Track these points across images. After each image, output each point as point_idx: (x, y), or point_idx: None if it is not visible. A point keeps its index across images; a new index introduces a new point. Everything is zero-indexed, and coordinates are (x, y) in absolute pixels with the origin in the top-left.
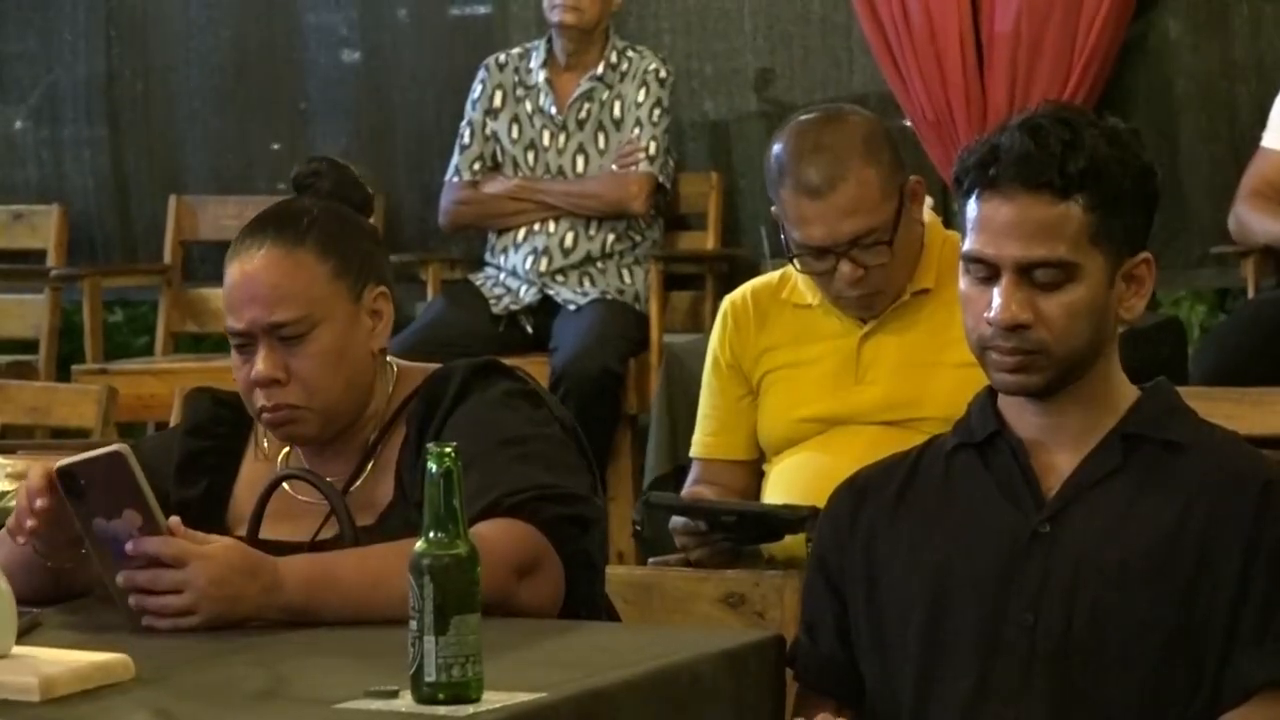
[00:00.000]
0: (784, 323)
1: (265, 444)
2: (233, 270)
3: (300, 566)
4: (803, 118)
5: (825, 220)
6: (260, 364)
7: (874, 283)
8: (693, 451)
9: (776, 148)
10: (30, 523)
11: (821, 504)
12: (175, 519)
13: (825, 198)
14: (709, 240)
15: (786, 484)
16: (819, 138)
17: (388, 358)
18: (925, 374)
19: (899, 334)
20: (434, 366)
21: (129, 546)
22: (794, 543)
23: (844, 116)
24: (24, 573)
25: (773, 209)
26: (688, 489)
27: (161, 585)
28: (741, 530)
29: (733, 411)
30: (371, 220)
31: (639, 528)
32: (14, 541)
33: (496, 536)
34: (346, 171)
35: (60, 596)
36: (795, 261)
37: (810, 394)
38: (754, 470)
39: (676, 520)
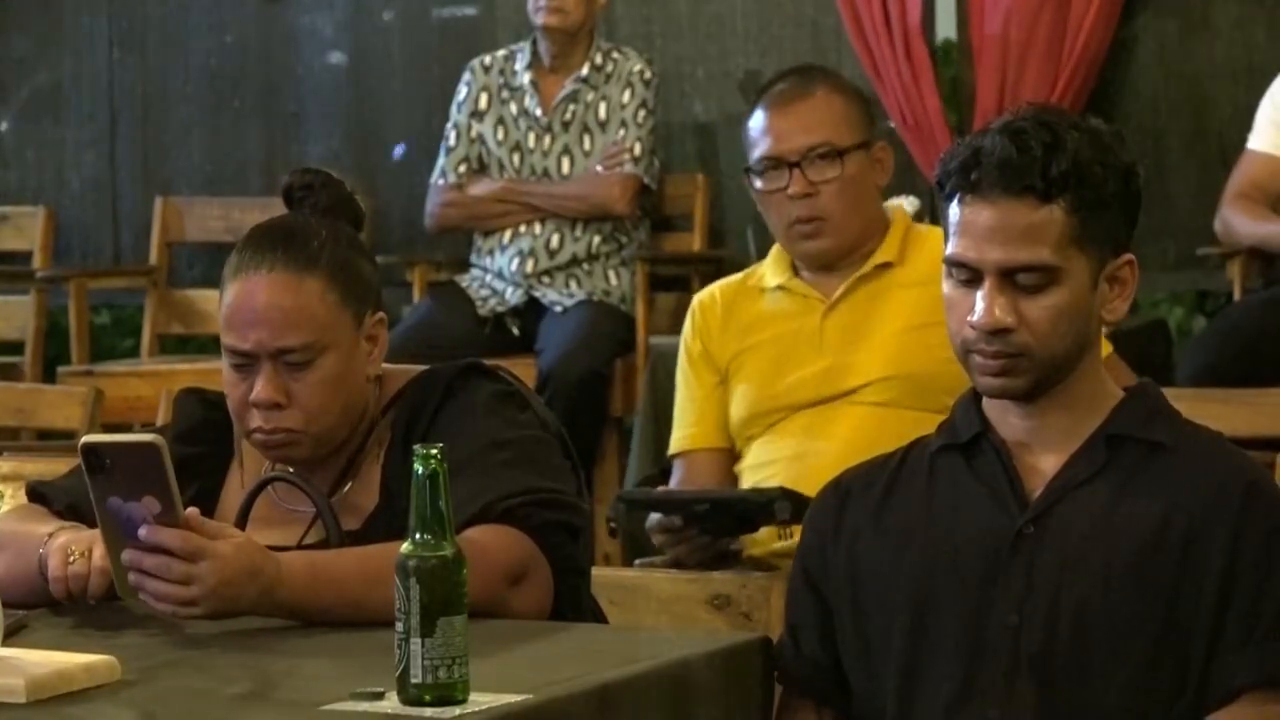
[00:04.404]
0: (750, 308)
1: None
2: (236, 289)
3: (300, 565)
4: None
5: (784, 134)
6: (261, 387)
7: (822, 206)
8: (672, 449)
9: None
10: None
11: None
12: (193, 510)
13: (791, 107)
14: (695, 242)
15: (758, 475)
16: (797, 72)
17: None
18: (867, 344)
19: (859, 307)
20: (418, 369)
21: (143, 532)
22: (768, 535)
23: (824, 68)
24: (19, 579)
25: (746, 172)
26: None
27: (170, 576)
28: (716, 520)
29: (708, 400)
30: (363, 236)
31: (614, 525)
32: (57, 589)
33: (489, 543)
34: (341, 187)
35: (53, 601)
36: (751, 179)
37: (775, 372)
38: (733, 459)
39: (653, 519)
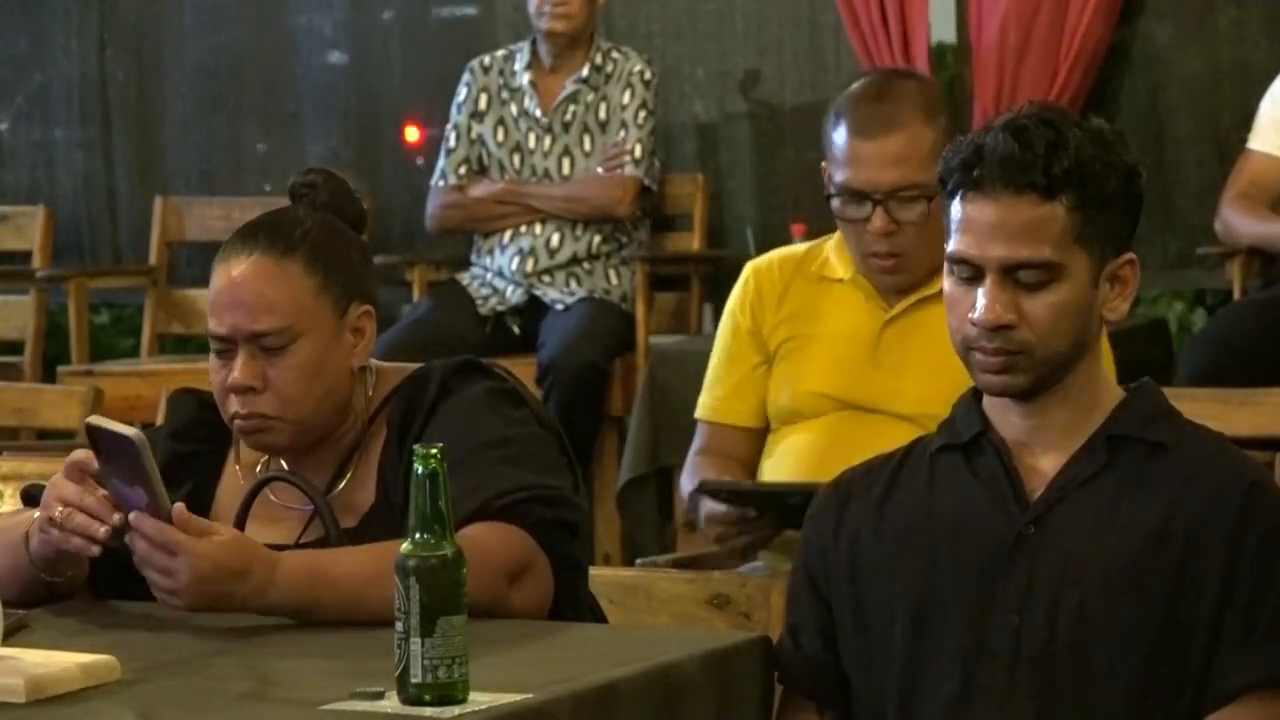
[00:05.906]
0: (808, 294)
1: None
2: (219, 274)
3: (298, 565)
4: (873, 72)
5: (871, 164)
6: (237, 371)
7: (902, 244)
8: (699, 413)
9: (840, 99)
10: (105, 528)
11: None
12: (179, 506)
13: (877, 140)
14: (695, 241)
15: (790, 466)
16: (884, 87)
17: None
18: (948, 373)
19: (924, 326)
20: (413, 367)
21: (132, 517)
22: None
23: (911, 74)
24: (15, 576)
25: (822, 164)
26: (693, 456)
27: (153, 564)
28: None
29: (746, 379)
30: (364, 236)
31: (693, 517)
32: (92, 537)
33: (488, 540)
34: (343, 185)
35: (52, 599)
36: (832, 203)
37: (824, 368)
38: (759, 439)
39: (715, 509)
